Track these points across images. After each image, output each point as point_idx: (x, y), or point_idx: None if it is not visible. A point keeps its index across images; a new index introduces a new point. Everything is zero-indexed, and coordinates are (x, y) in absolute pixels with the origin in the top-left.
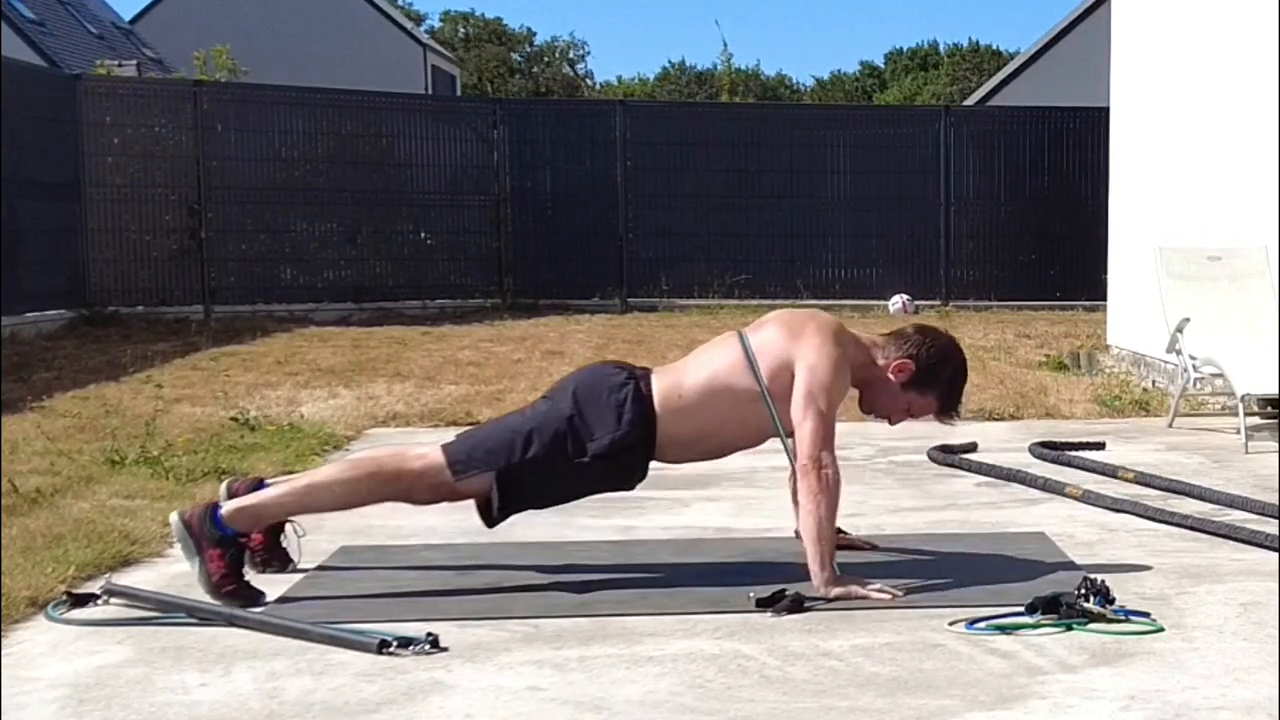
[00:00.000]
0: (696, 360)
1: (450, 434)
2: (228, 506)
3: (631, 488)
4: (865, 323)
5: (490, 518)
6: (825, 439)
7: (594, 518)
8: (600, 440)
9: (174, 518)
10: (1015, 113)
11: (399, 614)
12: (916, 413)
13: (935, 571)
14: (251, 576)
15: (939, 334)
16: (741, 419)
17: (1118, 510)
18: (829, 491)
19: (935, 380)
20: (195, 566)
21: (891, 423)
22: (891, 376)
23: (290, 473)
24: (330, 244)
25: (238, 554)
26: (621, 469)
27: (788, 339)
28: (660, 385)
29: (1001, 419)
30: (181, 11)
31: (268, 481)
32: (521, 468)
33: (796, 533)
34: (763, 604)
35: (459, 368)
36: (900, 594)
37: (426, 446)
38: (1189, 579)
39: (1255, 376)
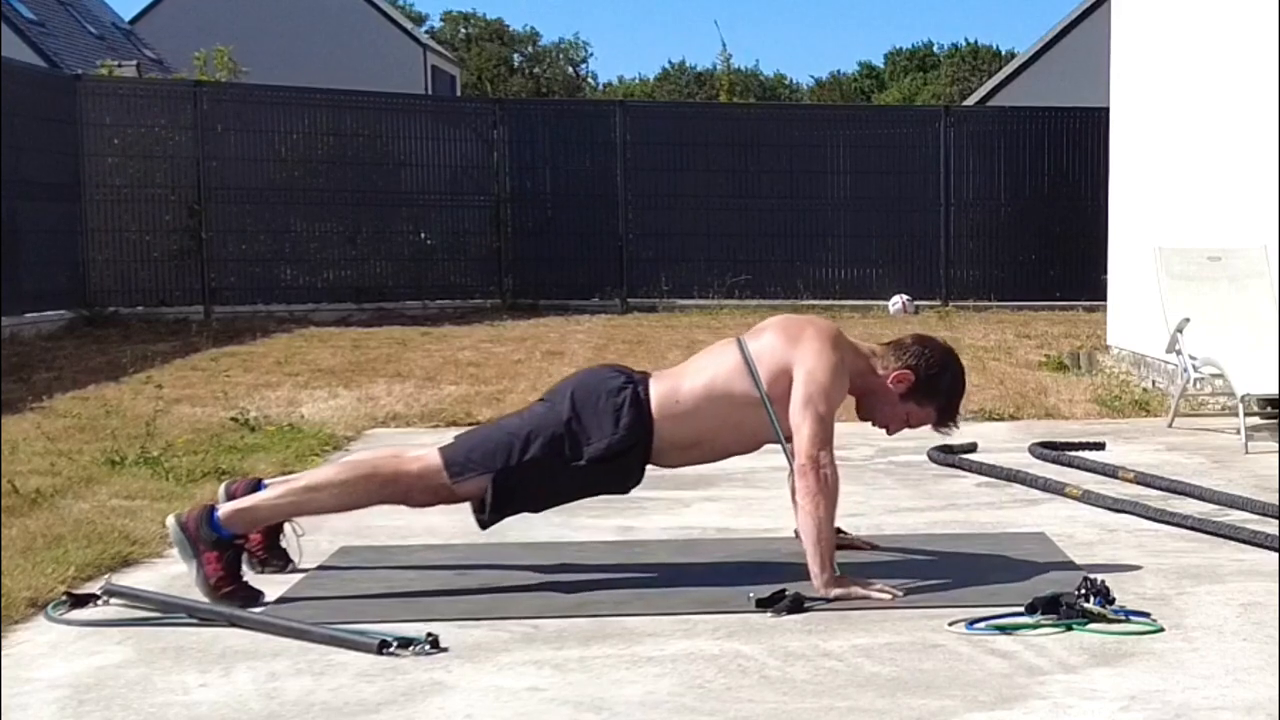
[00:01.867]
0: (695, 365)
1: (450, 434)
2: (224, 509)
3: (627, 491)
4: (865, 323)
5: (483, 519)
6: (824, 440)
7: (593, 518)
8: (597, 444)
9: (170, 521)
10: (1015, 113)
11: (399, 614)
12: (914, 423)
13: (935, 572)
14: (251, 577)
15: (938, 344)
16: (738, 424)
17: (1118, 510)
18: (828, 492)
19: (934, 391)
20: (192, 569)
21: (889, 432)
22: (890, 386)
23: (290, 473)
24: (330, 244)
25: (235, 556)
26: (618, 473)
27: (786, 344)
28: (658, 390)
29: (1001, 419)
30: (181, 12)
31: (266, 482)
32: (518, 470)
33: (796, 533)
34: (763, 604)
35: (459, 368)
36: (900, 594)
37: (424, 448)
38: (1189, 579)
39: (1255, 376)
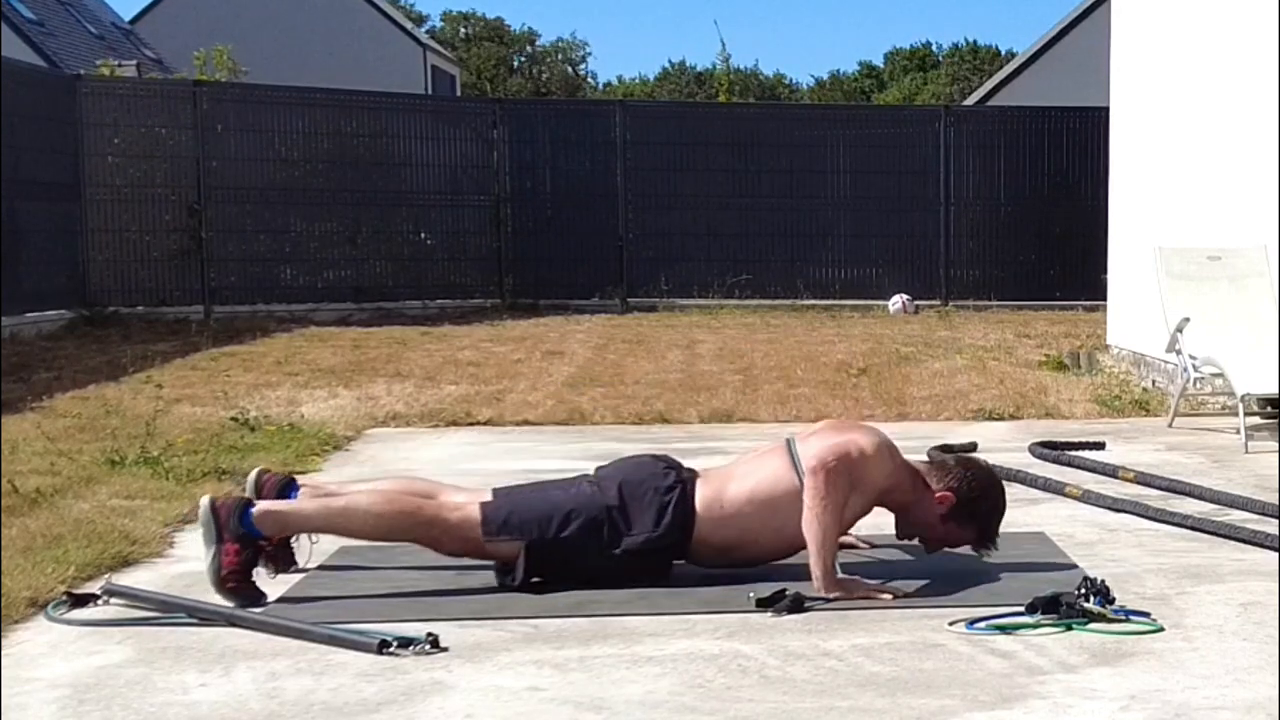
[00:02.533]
0: (744, 468)
1: (451, 434)
2: (260, 506)
3: (651, 586)
4: (865, 322)
5: (507, 582)
6: (837, 452)
7: None
8: (636, 537)
9: (205, 501)
10: (1015, 113)
11: (399, 614)
12: (953, 543)
13: (935, 571)
14: (259, 578)
15: (980, 468)
16: (779, 528)
17: (1118, 510)
18: (834, 494)
19: (974, 514)
20: (210, 554)
21: (929, 550)
22: (932, 506)
23: (290, 473)
24: (330, 244)
25: (253, 555)
26: (649, 568)
27: (834, 433)
28: (704, 491)
29: (1001, 419)
30: (181, 11)
31: (299, 481)
32: (552, 545)
33: None
34: (763, 604)
35: (459, 368)
36: (900, 594)
37: (465, 495)
38: (1189, 579)
39: (1255, 376)
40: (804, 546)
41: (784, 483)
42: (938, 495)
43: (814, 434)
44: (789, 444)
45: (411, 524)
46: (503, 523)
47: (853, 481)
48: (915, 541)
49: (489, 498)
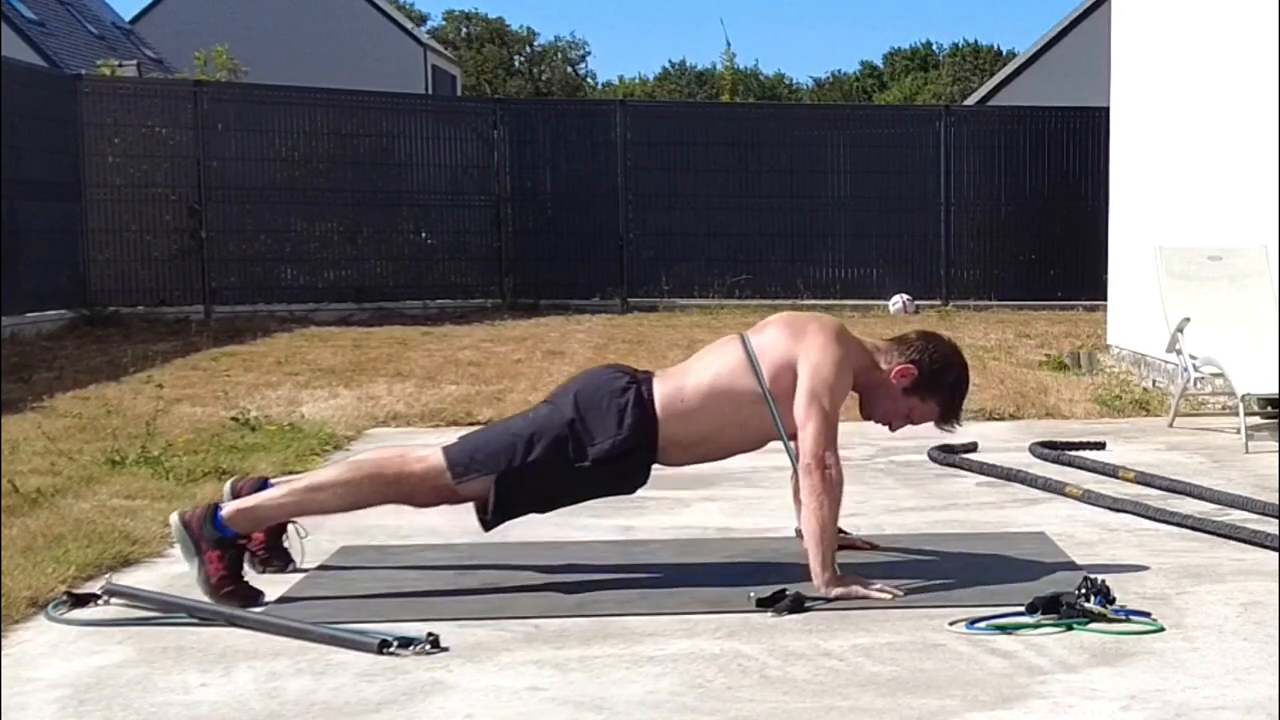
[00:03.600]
0: (698, 363)
1: (451, 434)
2: (228, 508)
3: (632, 492)
4: (866, 323)
5: (486, 520)
6: (829, 439)
7: (594, 518)
8: (601, 445)
9: (174, 518)
10: (1015, 112)
11: (399, 614)
12: (917, 419)
13: (935, 571)
14: (251, 577)
15: (942, 340)
16: (743, 422)
17: (1118, 510)
18: (832, 491)
19: (937, 387)
20: (194, 568)
21: (891, 429)
22: (894, 381)
23: (291, 473)
24: (331, 244)
25: (237, 555)
26: (623, 473)
27: (790, 339)
28: (662, 389)
29: (1002, 419)
30: (182, 11)
31: (271, 481)
32: (522, 472)
33: (797, 531)
34: (763, 604)
35: (459, 368)
36: (901, 594)
37: (427, 448)
38: (1189, 579)
39: (1255, 376)
40: (767, 441)
41: (742, 380)
42: (898, 368)
43: (768, 332)
44: (743, 339)
45: (380, 485)
46: (468, 462)
47: (836, 403)
48: (875, 422)
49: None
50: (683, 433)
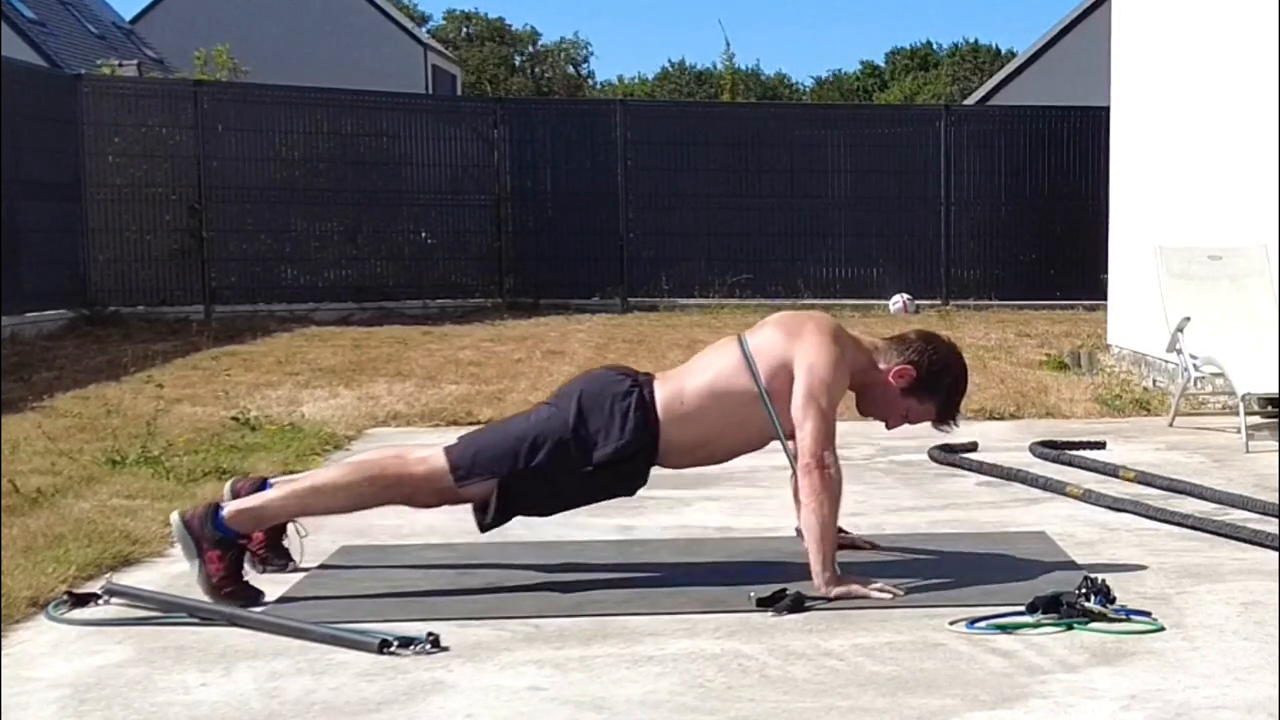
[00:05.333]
0: (697, 365)
1: (451, 434)
2: (229, 508)
3: (632, 494)
4: (866, 322)
5: (485, 522)
6: (827, 438)
7: (594, 517)
8: (604, 449)
9: (175, 518)
10: (1016, 112)
11: (400, 614)
12: (914, 419)
13: (936, 571)
14: (252, 576)
15: (940, 340)
16: (742, 423)
17: (1118, 510)
18: (831, 491)
19: (935, 387)
20: (195, 567)
21: (889, 427)
22: (892, 381)
23: (291, 473)
24: (331, 244)
25: (238, 555)
26: (624, 477)
27: (786, 338)
28: (663, 392)
29: (1002, 418)
30: (182, 11)
31: (271, 481)
32: (524, 475)
33: (798, 531)
34: (763, 603)
35: (460, 367)
36: (901, 593)
37: (429, 449)
38: (1189, 578)
39: (1255, 375)
40: (767, 442)
41: (740, 381)
42: (897, 368)
43: (764, 332)
44: (740, 340)
45: (381, 486)
46: (470, 464)
47: (835, 400)
48: (875, 421)
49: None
50: (684, 435)
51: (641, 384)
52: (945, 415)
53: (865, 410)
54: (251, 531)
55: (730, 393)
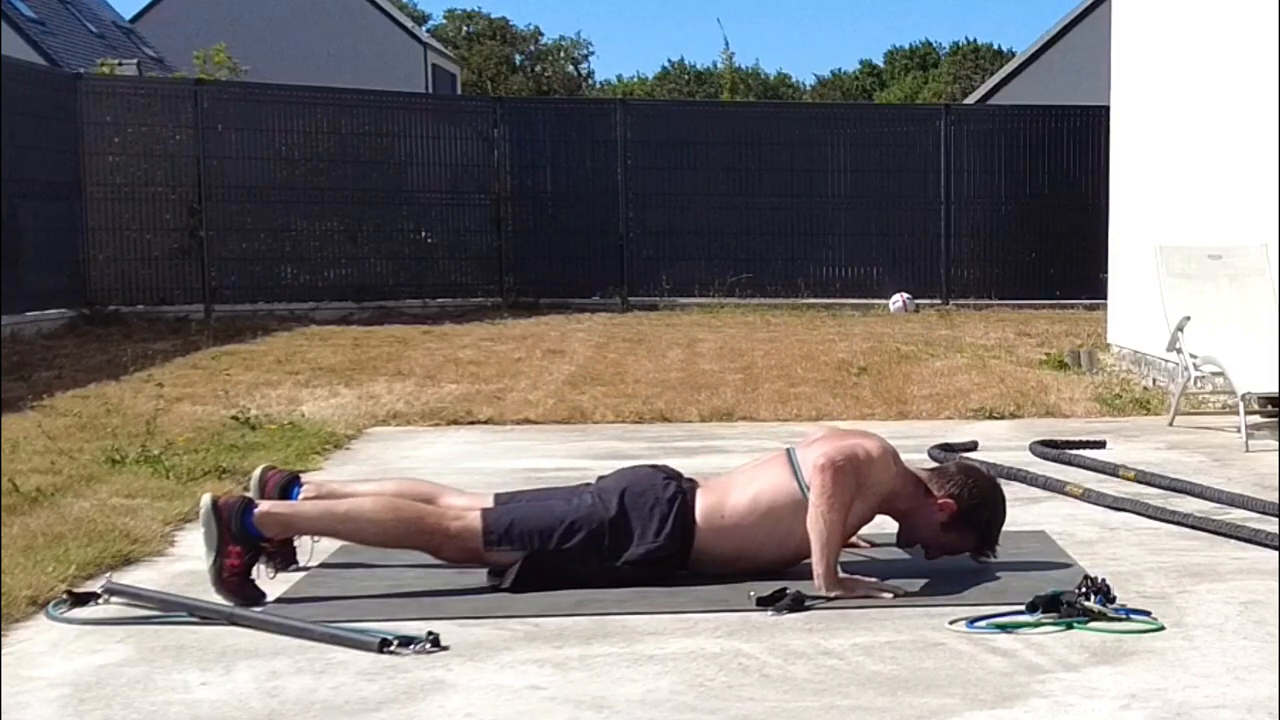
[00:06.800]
0: (743, 477)
1: (451, 433)
2: (261, 507)
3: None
4: (866, 321)
5: (500, 585)
6: (845, 454)
7: None
8: (637, 549)
9: (206, 501)
10: (1016, 111)
11: (400, 613)
12: (953, 550)
13: (936, 570)
14: (255, 574)
15: (982, 476)
16: (781, 539)
17: (1118, 509)
18: (841, 493)
19: (975, 522)
20: (211, 556)
21: (928, 556)
22: (934, 513)
23: (294, 471)
24: (331, 243)
25: (255, 557)
26: (649, 577)
27: (838, 439)
28: (705, 501)
29: (1002, 417)
30: (182, 11)
31: (303, 479)
32: (552, 556)
33: None
34: (763, 602)
35: (460, 366)
36: (901, 593)
37: (467, 500)
38: (1189, 577)
39: (1255, 375)
40: (806, 556)
41: (785, 491)
42: (939, 502)
43: (815, 442)
44: (789, 453)
45: (414, 531)
46: (504, 533)
47: (859, 483)
48: (917, 549)
49: (489, 503)
50: (719, 548)
51: (685, 490)
52: (983, 547)
53: (906, 538)
54: (274, 536)
55: (774, 508)
